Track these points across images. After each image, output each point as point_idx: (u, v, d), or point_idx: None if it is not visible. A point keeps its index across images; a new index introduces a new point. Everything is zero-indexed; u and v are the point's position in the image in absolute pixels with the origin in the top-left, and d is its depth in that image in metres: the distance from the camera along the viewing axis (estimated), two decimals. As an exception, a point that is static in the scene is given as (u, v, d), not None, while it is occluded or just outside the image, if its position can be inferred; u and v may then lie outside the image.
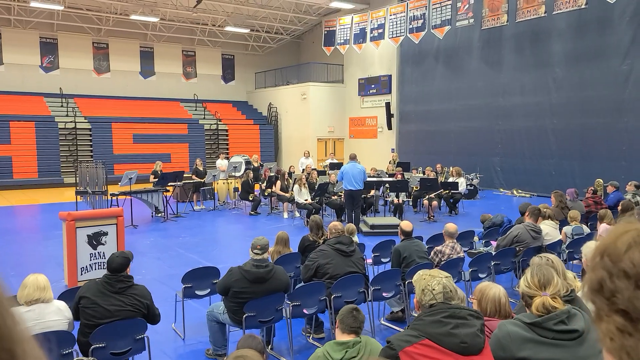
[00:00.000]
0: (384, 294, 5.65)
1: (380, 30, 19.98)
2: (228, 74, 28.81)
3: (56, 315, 3.88)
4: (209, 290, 5.70)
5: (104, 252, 7.39)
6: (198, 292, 5.66)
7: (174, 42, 26.53)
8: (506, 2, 16.02)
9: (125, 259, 4.24)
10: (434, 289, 2.66)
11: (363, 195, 11.99)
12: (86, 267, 7.35)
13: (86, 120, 22.08)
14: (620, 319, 0.70)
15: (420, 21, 18.41)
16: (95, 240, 7.46)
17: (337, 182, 13.20)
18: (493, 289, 3.23)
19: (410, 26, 18.75)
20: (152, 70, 26.31)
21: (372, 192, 13.05)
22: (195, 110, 26.13)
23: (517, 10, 15.69)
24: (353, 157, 11.65)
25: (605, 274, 0.72)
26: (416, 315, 2.81)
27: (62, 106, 22.64)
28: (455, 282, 5.95)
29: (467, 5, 17.11)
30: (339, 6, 22.60)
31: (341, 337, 3.20)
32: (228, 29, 25.75)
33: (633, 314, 0.68)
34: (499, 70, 18.14)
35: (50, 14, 22.50)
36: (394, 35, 19.48)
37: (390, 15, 19.55)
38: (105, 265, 4.33)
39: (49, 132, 20.91)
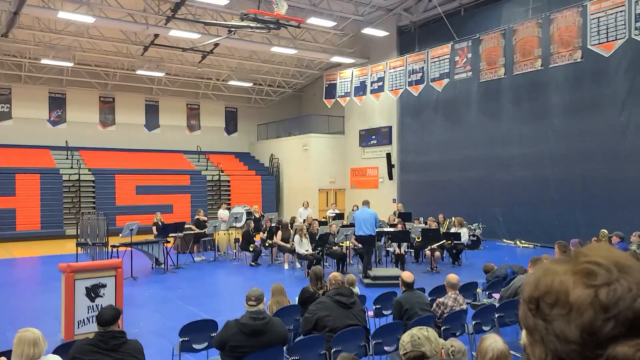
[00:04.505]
0: (385, 348, 5.50)
1: (380, 83, 20.37)
2: (231, 126, 29.24)
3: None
4: (207, 344, 5.57)
5: (101, 305, 7.27)
6: (195, 346, 5.53)
7: (178, 96, 27.09)
8: (503, 56, 16.39)
9: (115, 310, 4.15)
10: (403, 341, 2.85)
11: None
12: (83, 320, 7.22)
13: (90, 172, 22.25)
14: (527, 334, 0.79)
15: (419, 74, 18.79)
16: (93, 292, 7.36)
17: (337, 232, 13.16)
18: (489, 341, 3.16)
19: (410, 79, 19.13)
20: (156, 123, 26.73)
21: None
22: (198, 161, 26.36)
23: (514, 63, 16.03)
24: (365, 203, 11.72)
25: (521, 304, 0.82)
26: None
27: (67, 158, 22.89)
28: (458, 336, 5.84)
29: (465, 59, 17.51)
30: (339, 61, 23.18)
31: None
32: (231, 83, 26.33)
33: (528, 330, 0.78)
34: (497, 121, 18.37)
35: (60, 70, 23.10)
36: (394, 88, 19.85)
37: (390, 69, 19.99)
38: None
39: (53, 184, 21.04)
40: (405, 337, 2.93)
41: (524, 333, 2.61)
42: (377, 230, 11.66)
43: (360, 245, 12.67)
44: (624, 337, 0.68)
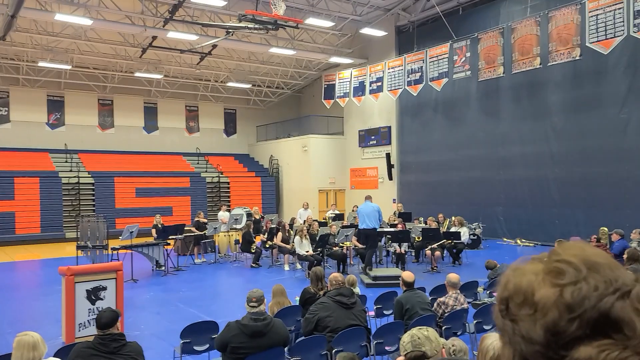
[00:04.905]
0: (386, 348, 5.50)
1: (379, 84, 20.38)
2: (230, 128, 29.23)
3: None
4: (208, 345, 5.57)
5: (102, 308, 7.26)
6: (196, 348, 5.53)
7: (177, 98, 27.08)
8: (501, 54, 16.40)
9: (114, 312, 4.15)
10: (403, 341, 2.86)
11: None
12: (84, 322, 7.21)
13: (89, 175, 22.25)
14: (499, 335, 0.78)
15: (418, 74, 18.80)
16: (94, 295, 7.35)
17: (338, 233, 13.17)
18: (490, 340, 3.17)
19: (409, 79, 19.14)
20: (155, 125, 26.73)
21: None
22: (198, 163, 26.35)
23: (512, 62, 16.04)
24: (368, 198, 11.99)
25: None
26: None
27: (66, 161, 22.88)
28: (459, 335, 5.84)
29: (464, 59, 17.52)
30: (338, 61, 23.19)
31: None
32: (230, 84, 26.34)
33: (500, 328, 0.77)
34: (497, 121, 18.37)
35: (58, 73, 23.10)
36: (393, 88, 19.86)
37: (389, 69, 20.00)
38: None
39: (52, 187, 21.03)
40: (406, 338, 2.94)
41: None
42: (377, 230, 11.71)
43: (361, 246, 12.69)
44: (588, 338, 0.66)
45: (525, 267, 0.77)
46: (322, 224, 15.20)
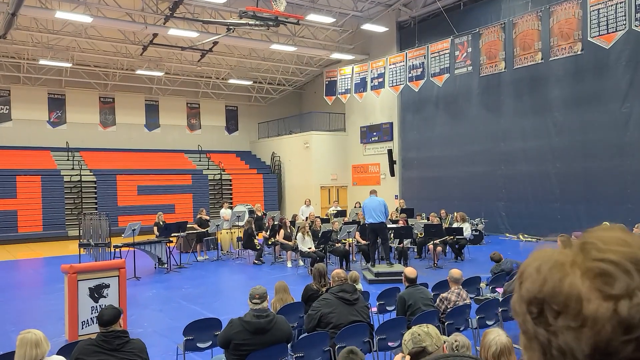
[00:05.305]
0: (389, 344, 5.51)
1: (380, 80, 20.35)
2: (232, 125, 29.24)
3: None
4: (211, 342, 5.58)
5: (105, 305, 7.28)
6: (200, 345, 5.55)
7: (178, 95, 27.08)
8: (503, 50, 16.36)
9: (115, 310, 4.15)
10: (405, 340, 2.89)
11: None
12: (87, 320, 7.24)
13: (91, 173, 22.28)
14: (523, 337, 0.69)
15: (420, 70, 18.77)
16: (96, 293, 7.38)
17: (340, 229, 13.17)
18: (492, 335, 3.18)
19: (410, 75, 19.11)
20: (156, 123, 26.74)
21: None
22: (199, 161, 26.36)
23: (514, 57, 16.01)
24: (373, 192, 11.95)
25: (516, 297, 0.70)
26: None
27: (68, 160, 22.91)
28: (462, 330, 5.85)
29: (465, 54, 17.48)
30: (339, 57, 23.16)
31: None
32: (231, 81, 26.32)
33: (527, 336, 0.67)
34: (499, 116, 18.35)
35: (59, 71, 23.10)
36: (394, 84, 19.83)
37: (390, 64, 19.96)
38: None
39: (54, 185, 21.06)
40: (407, 336, 2.97)
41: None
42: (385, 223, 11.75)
43: (363, 242, 12.70)
44: None
45: (561, 259, 0.67)
46: (325, 221, 15.21)
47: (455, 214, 15.13)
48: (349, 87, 21.78)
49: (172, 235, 13.74)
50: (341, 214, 17.72)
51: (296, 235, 13.01)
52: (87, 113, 24.82)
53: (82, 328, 7.17)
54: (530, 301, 0.66)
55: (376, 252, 11.71)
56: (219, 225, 14.92)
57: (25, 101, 23.37)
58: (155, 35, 20.11)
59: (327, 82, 22.97)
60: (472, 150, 19.27)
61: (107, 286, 7.44)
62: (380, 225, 11.28)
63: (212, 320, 5.77)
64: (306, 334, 5.27)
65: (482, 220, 17.03)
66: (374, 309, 6.92)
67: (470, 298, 6.75)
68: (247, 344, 4.57)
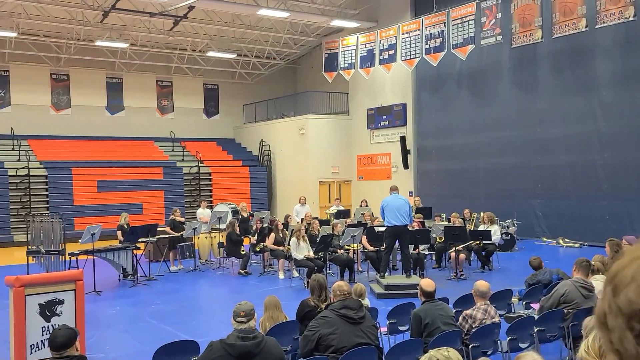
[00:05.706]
0: (402, 371, 5.53)
1: (391, 52, 20.33)
2: (211, 107, 29.22)
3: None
4: (187, 370, 5.59)
5: (58, 326, 7.29)
6: (173, 373, 5.55)
7: (146, 71, 27.04)
8: (540, 15, 16.35)
9: (70, 330, 4.16)
10: None
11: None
12: (37, 343, 7.23)
13: (42, 166, 22.26)
14: (613, 357, 0.66)
15: (439, 40, 18.75)
16: (48, 310, 7.37)
17: (343, 233, 13.17)
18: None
19: (427, 46, 19.09)
20: (120, 105, 26.72)
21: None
22: (172, 150, 26.36)
23: (552, 24, 16.00)
24: (394, 189, 11.95)
25: (607, 306, 0.68)
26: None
27: (13, 149, 22.88)
28: (489, 355, 5.86)
29: (494, 20, 17.47)
30: (341, 25, 23.11)
31: None
32: (211, 54, 26.27)
33: (624, 356, 0.64)
34: (534, 96, 18.35)
35: (1, 42, 23.02)
36: (408, 57, 19.81)
37: (403, 34, 19.94)
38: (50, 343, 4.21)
39: (-4, 180, 21.07)
40: None
41: (582, 347, 2.60)
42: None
43: (371, 248, 12.71)
44: None
45: None
46: (324, 223, 15.21)
47: (481, 214, 15.16)
48: (353, 61, 21.75)
49: (140, 240, 13.73)
50: (344, 214, 17.74)
51: (289, 240, 13.01)
52: (36, 93, 24.76)
53: (31, 353, 7.17)
54: (632, 315, 0.63)
55: (389, 261, 11.75)
56: (196, 228, 14.92)
57: (-39, 79, 23.34)
58: (118, -2, 20.06)
59: (326, 56, 22.94)
60: (502, 137, 19.28)
61: (61, 302, 7.44)
62: (404, 229, 11.33)
63: (187, 343, 5.77)
64: (302, 359, 5.28)
65: (514, 222, 17.06)
66: (384, 329, 6.93)
67: (500, 316, 6.77)
68: (230, 371, 4.58)
